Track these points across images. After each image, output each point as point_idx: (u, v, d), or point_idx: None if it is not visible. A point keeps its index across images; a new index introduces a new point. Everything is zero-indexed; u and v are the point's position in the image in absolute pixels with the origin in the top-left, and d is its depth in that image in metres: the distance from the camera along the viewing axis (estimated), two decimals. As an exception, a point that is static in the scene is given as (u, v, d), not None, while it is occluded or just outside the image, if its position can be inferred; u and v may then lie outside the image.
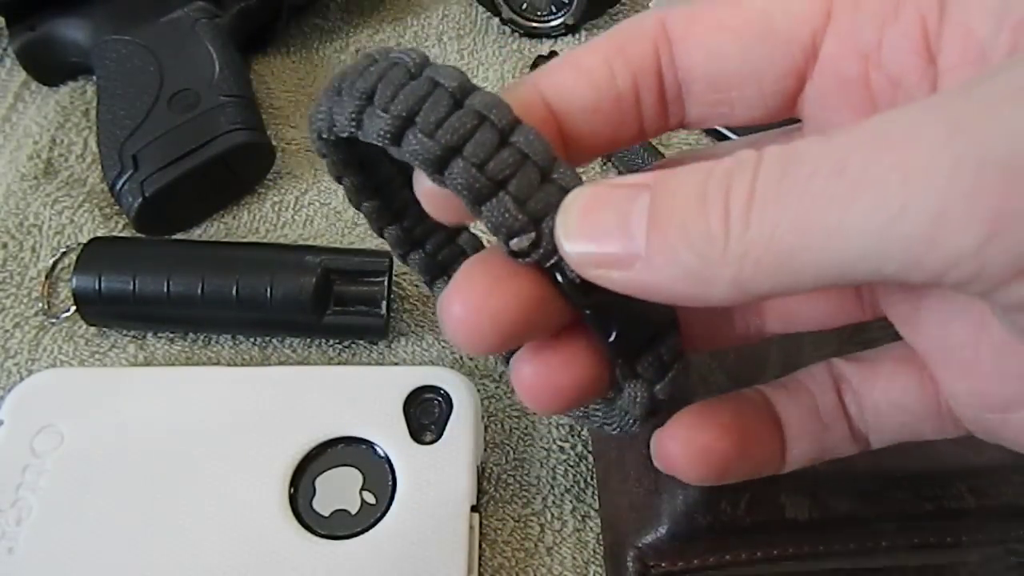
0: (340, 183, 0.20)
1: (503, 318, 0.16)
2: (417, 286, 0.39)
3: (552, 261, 0.16)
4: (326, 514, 0.31)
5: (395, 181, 0.20)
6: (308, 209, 0.42)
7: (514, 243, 0.15)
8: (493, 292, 0.16)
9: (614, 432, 0.20)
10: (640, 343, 0.17)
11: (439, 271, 0.22)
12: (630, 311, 0.16)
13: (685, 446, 0.19)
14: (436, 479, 0.31)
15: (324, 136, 0.17)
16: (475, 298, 0.16)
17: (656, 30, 0.18)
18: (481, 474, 0.33)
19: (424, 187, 0.17)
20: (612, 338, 0.17)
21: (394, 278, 0.38)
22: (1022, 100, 0.12)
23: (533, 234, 0.15)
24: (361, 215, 0.42)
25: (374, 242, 0.41)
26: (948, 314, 0.17)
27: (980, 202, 0.12)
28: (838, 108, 0.18)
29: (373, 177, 0.20)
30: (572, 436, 0.35)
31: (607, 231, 0.15)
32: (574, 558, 0.32)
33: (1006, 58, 0.15)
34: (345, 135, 0.16)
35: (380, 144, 0.15)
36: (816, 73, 0.18)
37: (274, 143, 0.43)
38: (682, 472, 0.19)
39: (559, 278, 0.16)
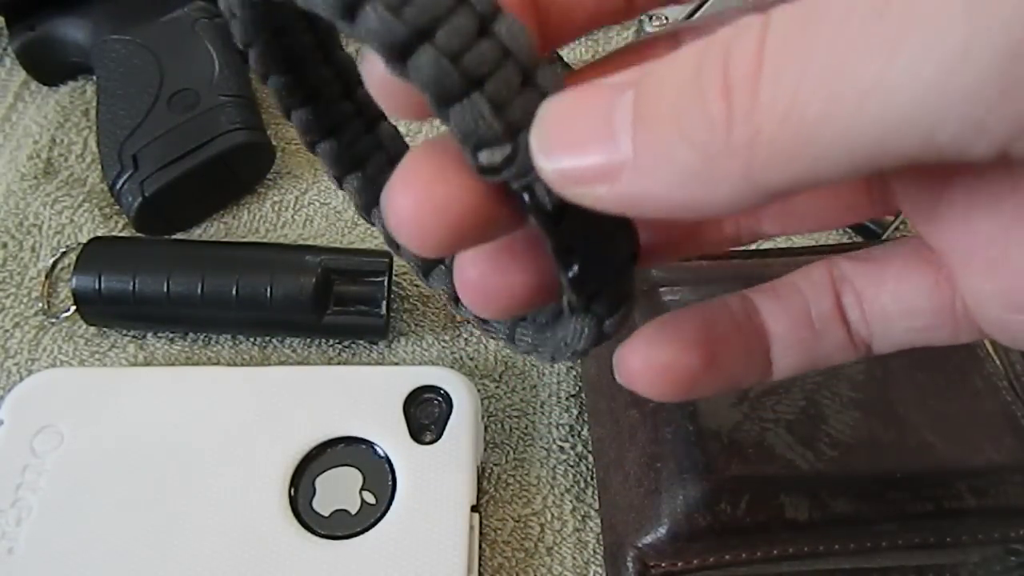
0: (245, 50, 0.17)
1: (454, 212, 0.14)
2: (417, 286, 0.39)
3: (525, 181, 0.13)
4: (326, 514, 0.31)
5: (313, 55, 0.18)
6: (308, 209, 0.42)
7: (484, 156, 0.13)
8: (444, 182, 0.14)
9: (545, 359, 0.19)
10: (600, 280, 0.15)
11: (352, 165, 0.19)
12: (597, 244, 0.15)
13: (645, 363, 0.17)
14: (436, 479, 0.31)
15: None
16: (424, 188, 0.14)
17: None
18: (481, 474, 0.33)
19: (377, 75, 0.15)
20: (573, 273, 0.15)
21: (394, 278, 0.38)
22: None
23: (508, 147, 0.13)
24: (360, 216, 0.42)
25: (374, 242, 0.41)
26: (975, 207, 0.15)
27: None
28: None
29: (286, 48, 0.17)
30: (572, 436, 0.35)
31: (588, 139, 0.12)
32: (574, 558, 0.32)
33: None
34: None
35: (326, 15, 0.12)
36: None
37: (274, 143, 0.43)
38: (643, 390, 0.18)
39: (527, 199, 0.14)
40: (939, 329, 0.17)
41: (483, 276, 0.16)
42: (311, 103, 0.18)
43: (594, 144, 0.12)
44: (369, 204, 0.19)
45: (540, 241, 0.15)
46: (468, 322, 0.20)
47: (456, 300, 0.19)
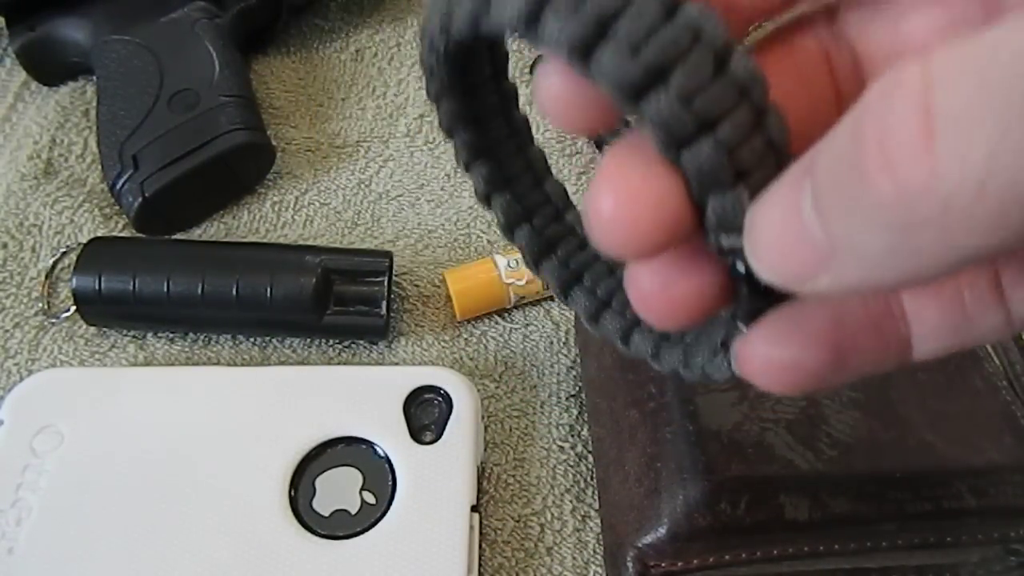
0: (450, 137, 0.17)
1: (663, 209, 0.13)
2: (417, 286, 0.39)
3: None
4: (326, 514, 0.31)
5: (512, 140, 0.18)
6: (308, 209, 0.42)
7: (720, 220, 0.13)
8: (651, 180, 0.13)
9: (694, 375, 0.18)
10: (767, 303, 0.15)
11: (547, 248, 0.19)
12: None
13: (767, 361, 0.16)
14: (436, 479, 0.31)
15: (441, 43, 0.14)
16: (631, 188, 0.13)
17: None
18: (481, 474, 0.33)
19: (554, 91, 0.14)
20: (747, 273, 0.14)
21: (394, 278, 0.38)
22: None
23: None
24: (360, 216, 0.42)
25: (374, 242, 0.41)
26: None
27: None
28: None
29: (486, 134, 0.18)
30: (572, 436, 0.35)
31: (788, 240, 0.12)
32: (574, 558, 0.32)
33: None
34: (495, 33, 0.13)
35: (555, 51, 0.12)
36: None
37: (274, 143, 0.43)
38: (766, 386, 0.16)
39: (741, 269, 0.14)
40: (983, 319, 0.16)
41: (665, 284, 0.16)
42: (509, 188, 0.19)
43: (797, 251, 0.12)
44: (567, 283, 0.20)
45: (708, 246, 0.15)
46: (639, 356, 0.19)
47: (627, 338, 0.19)
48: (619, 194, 0.13)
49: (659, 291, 0.16)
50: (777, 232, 0.12)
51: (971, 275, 0.16)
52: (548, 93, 0.14)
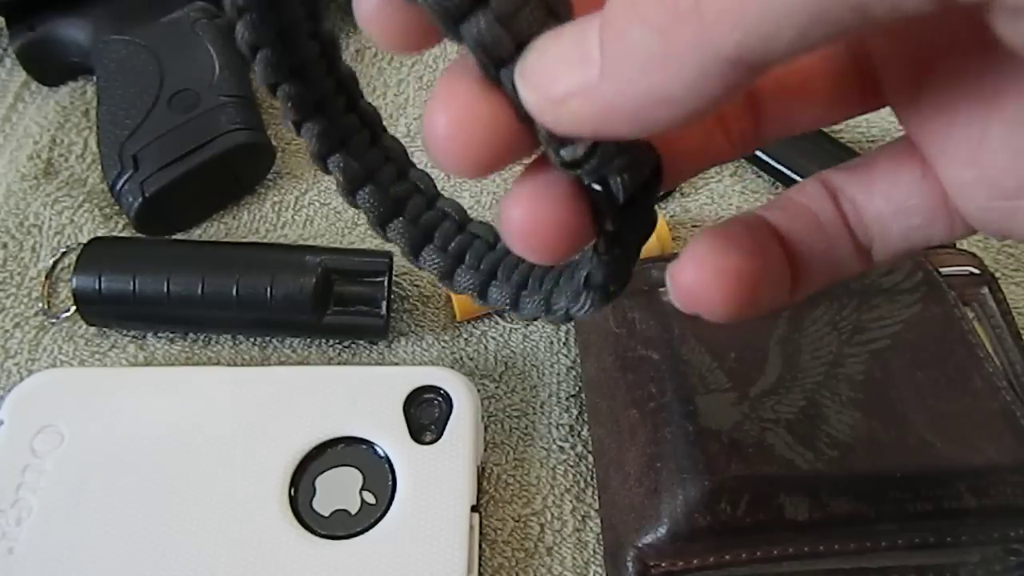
0: (273, 92, 0.17)
1: (494, 129, 0.14)
2: (417, 286, 0.39)
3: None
4: (326, 514, 0.31)
5: (341, 95, 0.18)
6: (308, 209, 0.42)
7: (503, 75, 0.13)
8: (481, 100, 0.14)
9: (558, 317, 0.18)
10: (630, 201, 0.15)
11: (394, 209, 0.19)
12: (622, 166, 0.14)
13: (713, 271, 0.16)
14: (436, 479, 0.31)
15: None
16: (462, 108, 0.14)
17: None
18: (481, 474, 0.33)
19: (369, 7, 0.15)
20: (602, 194, 0.15)
21: (394, 278, 0.38)
22: None
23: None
24: (361, 215, 0.42)
25: (374, 242, 0.41)
26: (954, 90, 0.15)
27: None
28: None
29: (311, 87, 0.18)
30: (572, 436, 0.35)
31: (563, 60, 0.13)
32: (574, 558, 0.32)
33: None
34: None
35: None
36: None
37: (274, 143, 0.43)
38: (710, 302, 0.16)
39: (595, 186, 0.14)
40: (934, 226, 0.17)
41: (534, 214, 0.16)
42: (320, 114, 0.18)
43: (568, 65, 0.13)
44: (384, 217, 0.19)
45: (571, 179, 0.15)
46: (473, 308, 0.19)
47: (484, 292, 0.19)
48: (451, 113, 0.14)
49: (528, 222, 0.16)
50: (552, 58, 0.13)
51: (817, 201, 0.17)
52: (365, 10, 0.15)
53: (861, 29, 0.11)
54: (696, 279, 0.16)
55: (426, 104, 0.14)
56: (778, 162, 0.41)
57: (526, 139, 0.14)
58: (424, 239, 0.19)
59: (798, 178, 0.41)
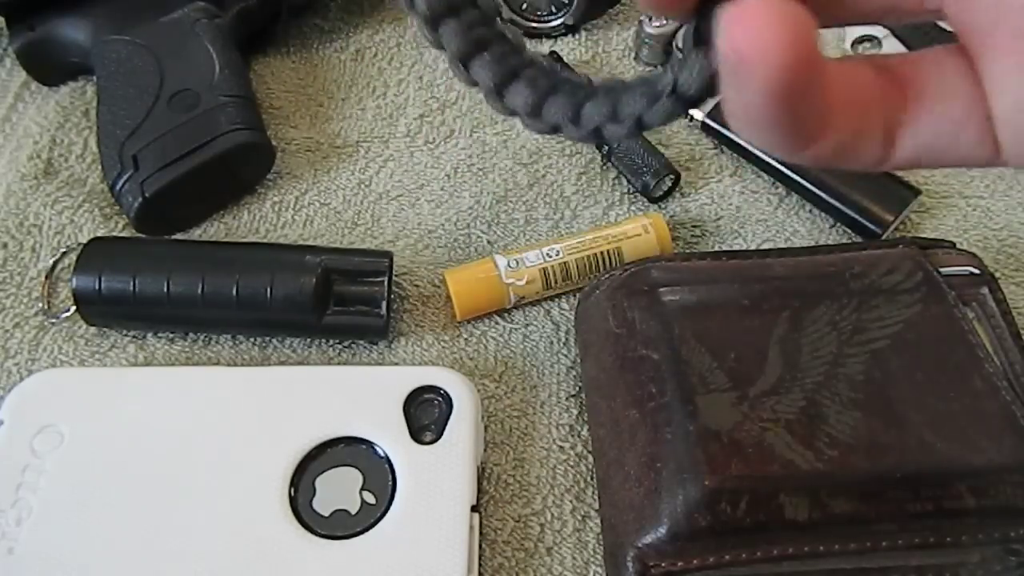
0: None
1: None
2: (417, 286, 0.39)
3: None
4: (326, 514, 0.31)
5: None
6: (308, 209, 0.42)
7: None
8: None
9: (613, 128, 0.18)
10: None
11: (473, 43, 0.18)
12: None
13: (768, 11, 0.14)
14: (436, 479, 0.31)
15: None
16: None
17: None
18: (481, 474, 0.33)
19: None
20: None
21: (394, 278, 0.38)
22: None
23: None
24: (360, 217, 0.42)
25: (374, 242, 0.41)
26: None
27: None
28: None
29: None
30: (572, 436, 0.35)
31: None
32: (574, 558, 0.32)
33: None
34: None
35: None
36: None
37: (274, 143, 0.43)
38: (760, 52, 0.14)
39: None
40: (965, 132, 0.16)
41: None
42: None
43: None
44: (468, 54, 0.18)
45: None
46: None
47: (539, 109, 0.18)
48: None
49: None
50: None
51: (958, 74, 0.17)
52: None
53: None
54: (748, 24, 0.14)
55: None
56: (779, 162, 0.41)
57: None
58: (477, 50, 0.18)
59: (801, 180, 0.41)
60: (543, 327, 0.38)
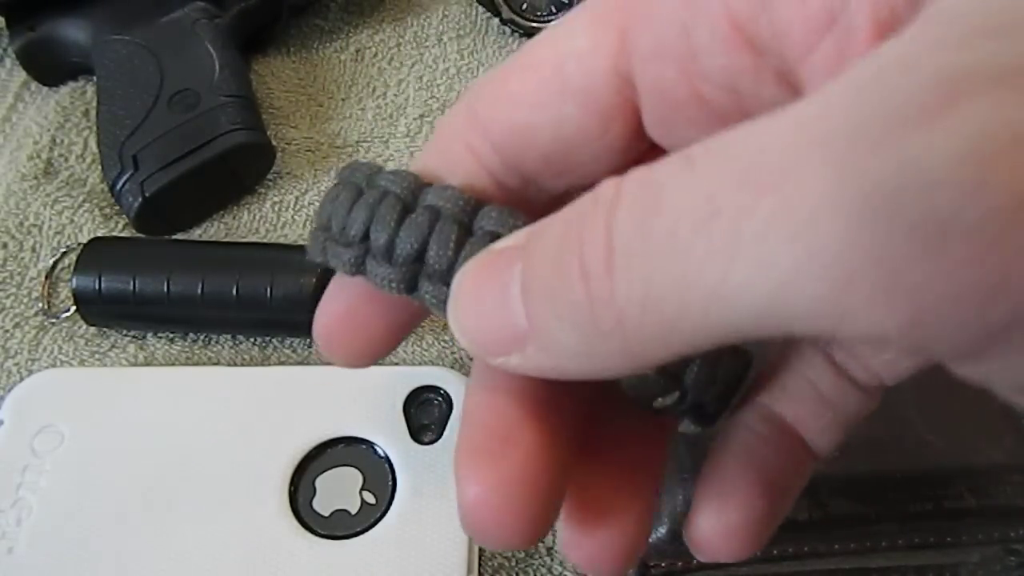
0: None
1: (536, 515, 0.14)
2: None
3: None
4: (326, 514, 0.31)
5: None
6: (308, 209, 0.42)
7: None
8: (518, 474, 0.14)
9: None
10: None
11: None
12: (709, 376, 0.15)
13: (723, 529, 0.17)
14: (436, 479, 0.31)
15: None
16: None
17: (466, 125, 0.16)
18: (481, 474, 0.33)
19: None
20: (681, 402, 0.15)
21: (394, 278, 0.38)
22: (934, 112, 0.09)
23: None
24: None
25: (374, 242, 0.41)
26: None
27: (896, 278, 0.09)
28: (690, 134, 0.15)
29: None
30: (572, 436, 0.35)
31: (490, 312, 0.13)
32: (574, 558, 0.32)
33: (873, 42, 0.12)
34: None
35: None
36: (645, 106, 0.15)
37: (274, 143, 0.43)
38: (722, 556, 0.17)
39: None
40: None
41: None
42: None
43: (496, 319, 0.13)
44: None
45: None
46: None
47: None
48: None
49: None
50: (483, 303, 0.13)
51: (811, 364, 0.17)
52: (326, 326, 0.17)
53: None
54: (708, 539, 0.17)
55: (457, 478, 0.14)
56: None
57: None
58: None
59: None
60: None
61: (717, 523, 0.16)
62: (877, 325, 0.09)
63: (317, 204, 0.42)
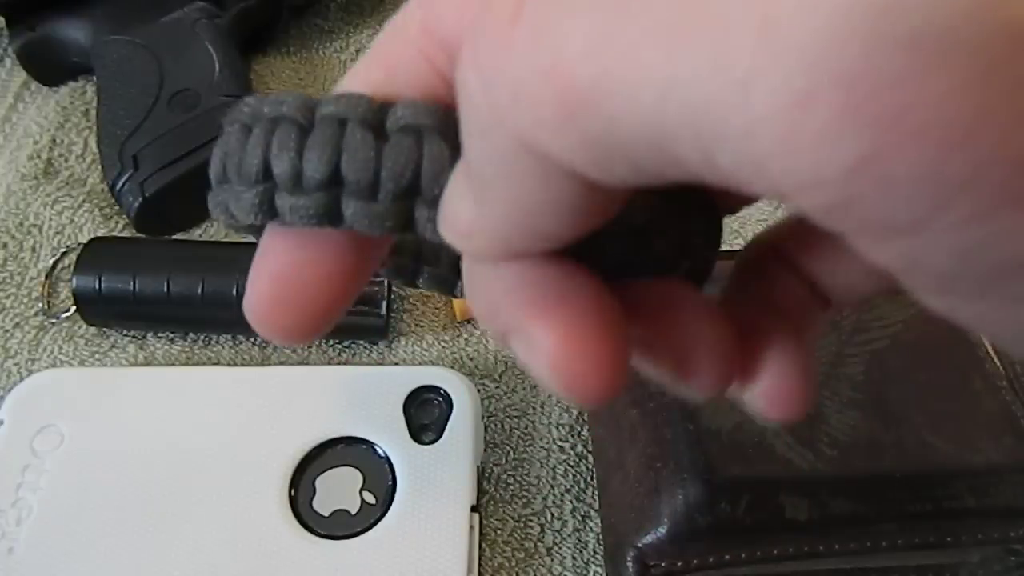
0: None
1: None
2: (417, 285, 0.39)
3: None
4: (326, 514, 0.31)
5: None
6: (308, 209, 0.42)
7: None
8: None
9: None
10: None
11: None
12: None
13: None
14: (436, 479, 0.31)
15: None
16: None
17: (420, 31, 0.15)
18: (481, 474, 0.33)
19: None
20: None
21: (394, 278, 0.38)
22: None
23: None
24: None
25: (374, 242, 0.41)
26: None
27: (865, 102, 0.08)
28: None
29: None
30: (572, 436, 0.35)
31: (455, 207, 0.13)
32: (574, 558, 0.32)
33: None
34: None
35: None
36: None
37: (274, 143, 0.43)
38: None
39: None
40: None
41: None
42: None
43: (459, 208, 0.13)
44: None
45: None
46: None
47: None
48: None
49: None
50: (449, 200, 0.13)
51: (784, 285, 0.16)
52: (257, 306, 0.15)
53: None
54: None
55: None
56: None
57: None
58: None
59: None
60: (543, 327, 0.38)
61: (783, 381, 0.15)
62: (821, 163, 0.08)
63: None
